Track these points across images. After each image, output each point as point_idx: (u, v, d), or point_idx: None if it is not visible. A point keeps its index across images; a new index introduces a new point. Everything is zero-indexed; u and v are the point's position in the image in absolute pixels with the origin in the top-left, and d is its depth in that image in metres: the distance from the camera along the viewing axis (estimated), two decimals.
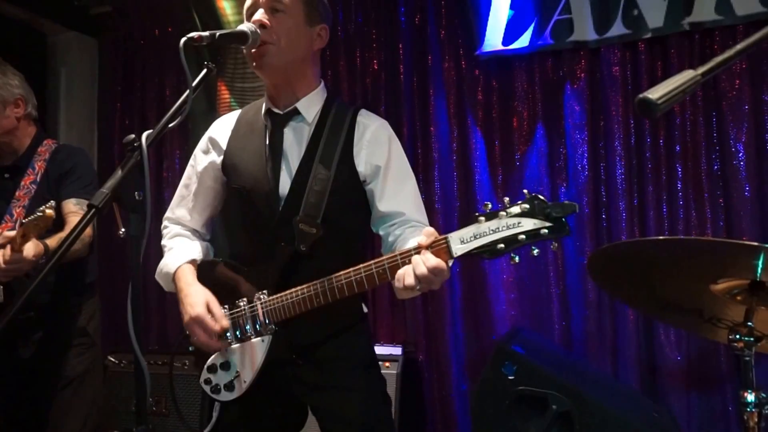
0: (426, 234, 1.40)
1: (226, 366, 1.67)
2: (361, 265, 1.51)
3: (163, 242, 1.89)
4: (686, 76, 0.88)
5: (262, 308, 1.63)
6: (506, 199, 1.32)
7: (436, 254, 1.37)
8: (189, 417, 3.13)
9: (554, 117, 3.24)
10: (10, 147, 2.52)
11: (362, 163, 1.71)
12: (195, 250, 1.81)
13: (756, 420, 1.46)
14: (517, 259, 1.33)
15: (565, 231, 1.27)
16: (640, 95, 0.89)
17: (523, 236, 1.29)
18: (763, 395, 1.47)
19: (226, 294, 1.69)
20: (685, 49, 3.01)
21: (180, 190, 1.91)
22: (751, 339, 1.47)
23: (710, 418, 2.90)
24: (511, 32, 3.23)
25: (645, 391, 2.98)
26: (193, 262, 1.77)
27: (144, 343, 1.26)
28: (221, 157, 1.81)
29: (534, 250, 1.33)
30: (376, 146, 1.72)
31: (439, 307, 3.33)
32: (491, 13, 3.27)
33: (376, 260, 1.48)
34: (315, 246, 1.63)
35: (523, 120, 3.30)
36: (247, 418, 1.73)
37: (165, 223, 1.93)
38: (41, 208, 2.00)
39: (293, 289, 1.59)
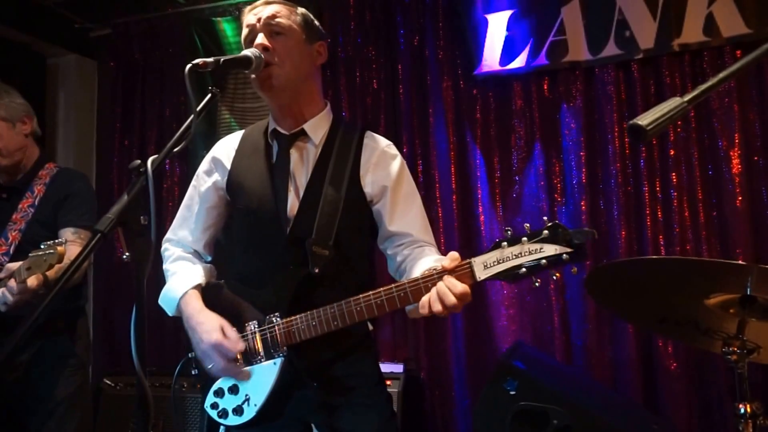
0: (450, 258, 1.41)
1: (234, 389, 1.62)
2: (381, 289, 1.49)
3: (165, 266, 1.84)
4: (673, 103, 0.93)
5: (278, 330, 1.60)
6: (527, 225, 1.35)
7: (459, 278, 1.38)
8: None
9: (551, 135, 3.30)
10: (18, 166, 2.46)
11: (369, 184, 1.72)
12: (199, 273, 1.77)
13: (751, 431, 1.48)
14: (537, 283, 1.35)
15: (584, 256, 1.30)
16: (631, 122, 0.93)
17: (544, 261, 1.31)
18: (757, 407, 1.50)
19: (232, 317, 1.66)
20: (676, 69, 3.08)
21: (182, 211, 1.87)
22: (744, 351, 1.50)
23: (710, 429, 2.91)
24: (508, 53, 3.30)
25: (645, 403, 3.00)
26: (198, 286, 1.73)
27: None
28: (225, 177, 1.80)
29: (554, 275, 1.35)
30: (383, 167, 1.76)
31: (440, 325, 3.35)
32: (488, 35, 3.34)
33: (397, 284, 1.48)
34: (326, 268, 1.62)
35: (521, 138, 3.36)
36: None
37: (166, 245, 1.88)
38: (50, 243, 1.93)
39: (309, 312, 1.56)
